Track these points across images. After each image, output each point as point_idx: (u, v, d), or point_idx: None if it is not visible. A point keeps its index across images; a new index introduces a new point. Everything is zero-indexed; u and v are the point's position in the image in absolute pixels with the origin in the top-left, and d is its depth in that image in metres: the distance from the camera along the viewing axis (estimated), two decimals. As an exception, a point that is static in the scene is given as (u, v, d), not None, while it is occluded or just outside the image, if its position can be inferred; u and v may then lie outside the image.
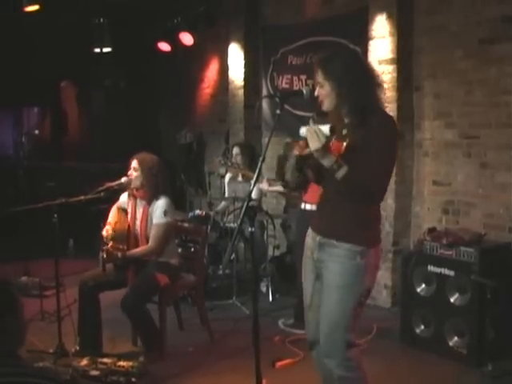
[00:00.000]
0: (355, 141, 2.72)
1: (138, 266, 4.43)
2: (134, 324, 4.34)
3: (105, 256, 4.29)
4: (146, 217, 4.46)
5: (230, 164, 5.84)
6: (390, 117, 2.90)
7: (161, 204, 4.43)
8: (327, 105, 2.84)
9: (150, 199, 4.47)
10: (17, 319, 2.07)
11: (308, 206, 4.76)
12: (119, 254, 4.31)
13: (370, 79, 2.84)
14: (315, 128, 2.69)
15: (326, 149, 2.68)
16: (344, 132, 2.82)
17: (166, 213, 4.41)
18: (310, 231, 3.03)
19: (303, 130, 2.72)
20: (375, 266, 2.91)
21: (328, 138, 2.69)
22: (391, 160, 2.83)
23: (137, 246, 4.50)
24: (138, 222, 4.51)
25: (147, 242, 4.45)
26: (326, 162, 2.69)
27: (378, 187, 2.75)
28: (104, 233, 4.41)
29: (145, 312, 4.29)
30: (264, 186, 5.70)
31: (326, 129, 2.70)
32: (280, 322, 5.14)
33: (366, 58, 5.69)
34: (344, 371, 2.84)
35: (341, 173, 2.68)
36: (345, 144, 2.75)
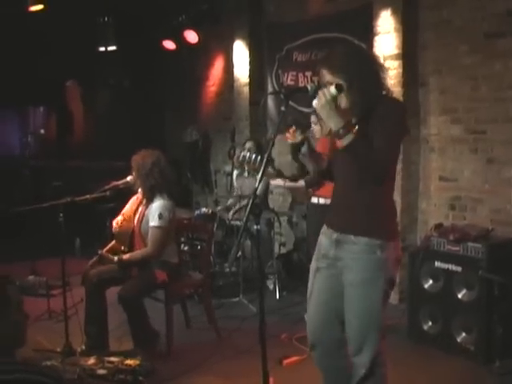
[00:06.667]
0: (363, 128, 2.68)
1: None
2: (128, 317, 4.27)
3: (98, 260, 4.35)
4: (142, 217, 4.43)
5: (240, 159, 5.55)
6: (398, 100, 2.86)
7: (156, 207, 4.34)
8: (344, 102, 2.77)
9: (147, 200, 4.44)
10: (9, 320, 2.02)
11: (321, 200, 4.71)
12: (115, 259, 4.31)
13: (375, 67, 2.81)
14: (323, 90, 2.68)
15: (332, 108, 2.64)
16: (354, 121, 2.77)
17: (160, 216, 4.29)
18: (324, 229, 2.97)
19: (315, 102, 2.68)
20: (396, 260, 2.84)
21: (334, 96, 2.66)
22: (399, 138, 2.78)
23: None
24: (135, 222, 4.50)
25: (142, 241, 4.41)
26: (333, 124, 2.63)
27: (383, 163, 2.67)
28: (114, 224, 4.42)
29: (140, 307, 4.25)
30: (279, 182, 5.60)
31: (332, 88, 2.68)
32: None
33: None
34: (373, 366, 2.80)
35: (347, 139, 2.61)
36: (355, 130, 2.69)
